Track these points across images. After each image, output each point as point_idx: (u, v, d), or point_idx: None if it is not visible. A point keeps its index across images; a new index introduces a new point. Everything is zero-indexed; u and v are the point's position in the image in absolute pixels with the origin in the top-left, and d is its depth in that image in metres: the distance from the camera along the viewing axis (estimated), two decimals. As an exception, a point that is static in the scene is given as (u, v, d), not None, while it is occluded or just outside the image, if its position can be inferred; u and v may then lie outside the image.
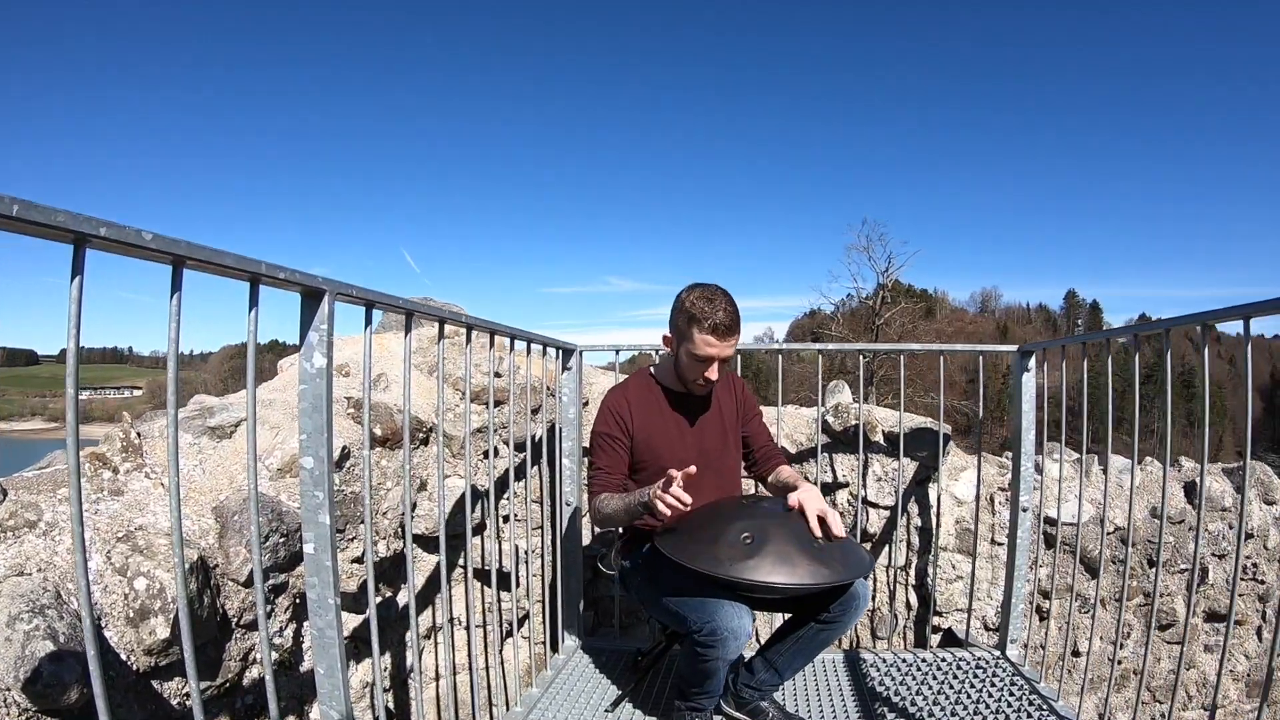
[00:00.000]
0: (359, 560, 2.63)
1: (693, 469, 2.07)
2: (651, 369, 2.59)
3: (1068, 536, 3.58)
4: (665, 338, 2.44)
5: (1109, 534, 3.63)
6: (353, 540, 2.63)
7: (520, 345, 2.69)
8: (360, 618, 2.69)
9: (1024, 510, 3.03)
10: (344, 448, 2.63)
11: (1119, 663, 3.86)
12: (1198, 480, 3.93)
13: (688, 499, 2.03)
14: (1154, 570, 3.69)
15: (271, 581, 2.32)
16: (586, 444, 2.78)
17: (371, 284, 1.73)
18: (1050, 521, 3.49)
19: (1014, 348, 3.04)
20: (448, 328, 2.22)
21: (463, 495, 2.98)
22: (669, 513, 2.04)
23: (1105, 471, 3.01)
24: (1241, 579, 3.90)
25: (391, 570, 2.85)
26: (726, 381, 2.64)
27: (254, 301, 1.35)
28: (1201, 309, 2.20)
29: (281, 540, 2.33)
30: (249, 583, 2.17)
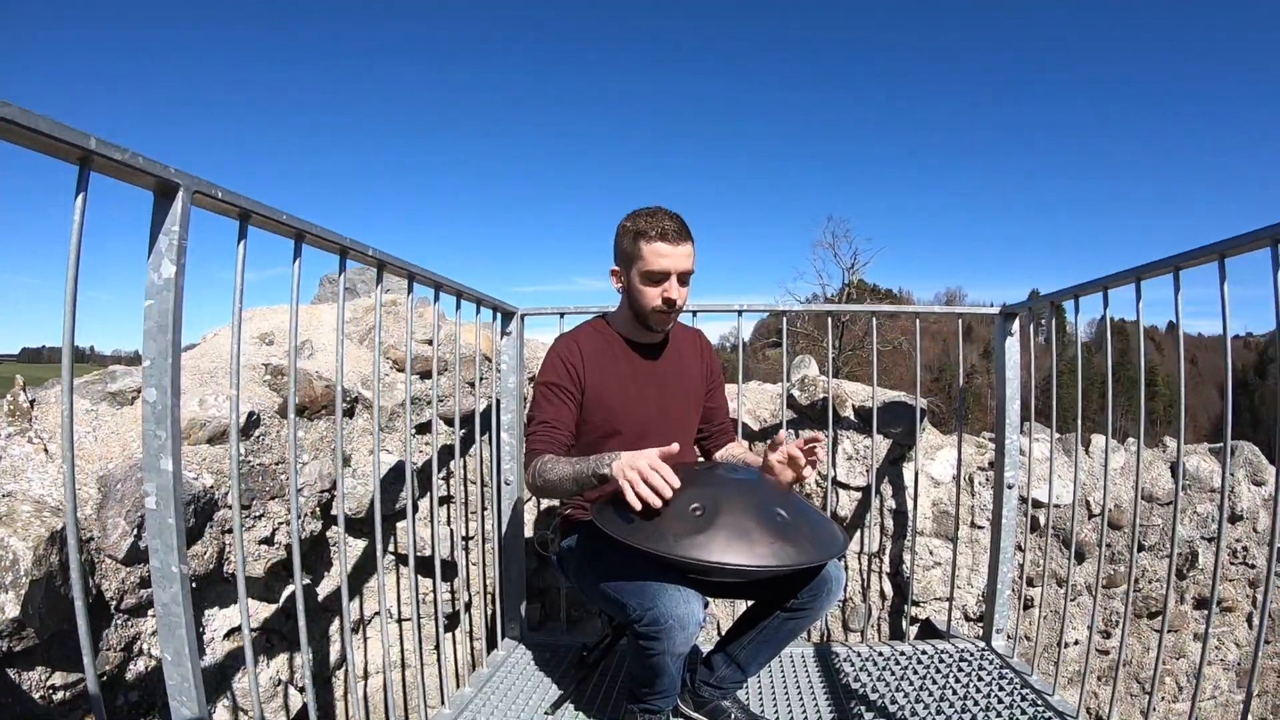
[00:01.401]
0: (268, 541, 2.31)
1: (675, 447, 1.73)
2: (607, 317, 2.27)
3: (1052, 519, 3.35)
4: (613, 272, 2.13)
5: (1094, 516, 3.40)
6: (260, 518, 2.30)
7: (457, 306, 2.37)
8: (273, 607, 2.38)
9: (1009, 488, 2.76)
10: (252, 413, 2.30)
11: (1105, 653, 3.64)
12: (1185, 461, 3.79)
13: (674, 484, 1.68)
14: (1139, 555, 3.51)
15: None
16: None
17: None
18: (1034, 503, 3.25)
19: (995, 309, 2.77)
20: (384, 291, 1.89)
21: (391, 472, 2.70)
22: (651, 499, 1.66)
23: (1114, 453, 2.74)
24: (1231, 563, 3.70)
25: (311, 555, 2.54)
26: (693, 338, 2.35)
27: (82, 186, 1.04)
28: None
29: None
30: (131, 559, 1.86)
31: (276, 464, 2.34)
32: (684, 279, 2.03)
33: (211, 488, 2.11)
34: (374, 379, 1.88)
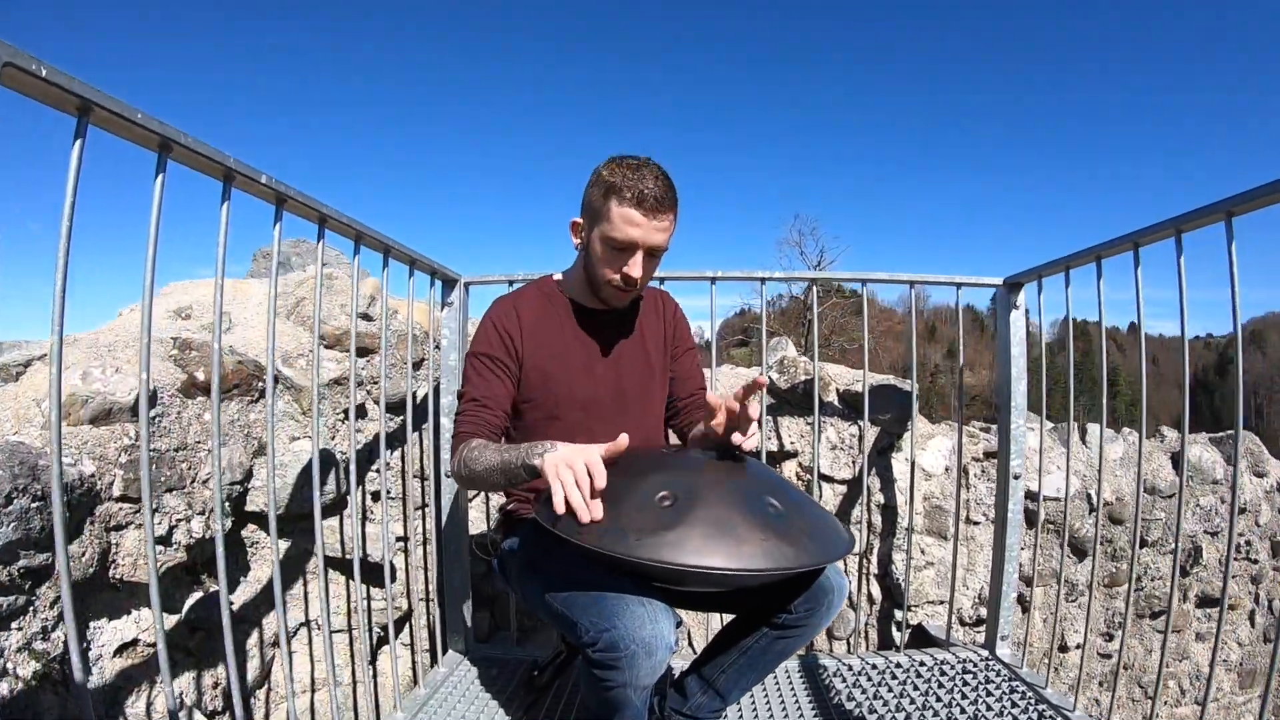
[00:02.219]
0: (164, 541, 1.95)
1: (624, 440, 1.37)
2: (557, 277, 1.91)
3: (1052, 513, 3.08)
4: (574, 224, 1.76)
5: (1093, 511, 3.13)
6: (155, 513, 1.93)
7: (382, 262, 2.02)
8: (174, 619, 2.02)
9: (1015, 478, 2.46)
10: (152, 390, 1.94)
11: (1106, 657, 3.39)
12: (1188, 451, 3.54)
13: (597, 513, 1.28)
14: (1139, 550, 3.24)
15: (24, 563, 1.63)
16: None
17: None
18: (1031, 496, 2.97)
19: (998, 280, 2.47)
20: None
21: (311, 463, 2.35)
22: (581, 511, 1.28)
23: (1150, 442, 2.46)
24: (1234, 559, 3.47)
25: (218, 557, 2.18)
26: (654, 299, 1.97)
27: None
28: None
29: (36, 505, 1.63)
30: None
31: (176, 451, 1.98)
32: (653, 253, 1.68)
33: (92, 476, 1.75)
34: (313, 363, 1.54)
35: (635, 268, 1.64)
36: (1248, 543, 3.51)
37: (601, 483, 1.29)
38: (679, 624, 1.40)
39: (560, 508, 1.28)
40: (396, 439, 2.59)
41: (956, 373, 2.85)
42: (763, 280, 2.55)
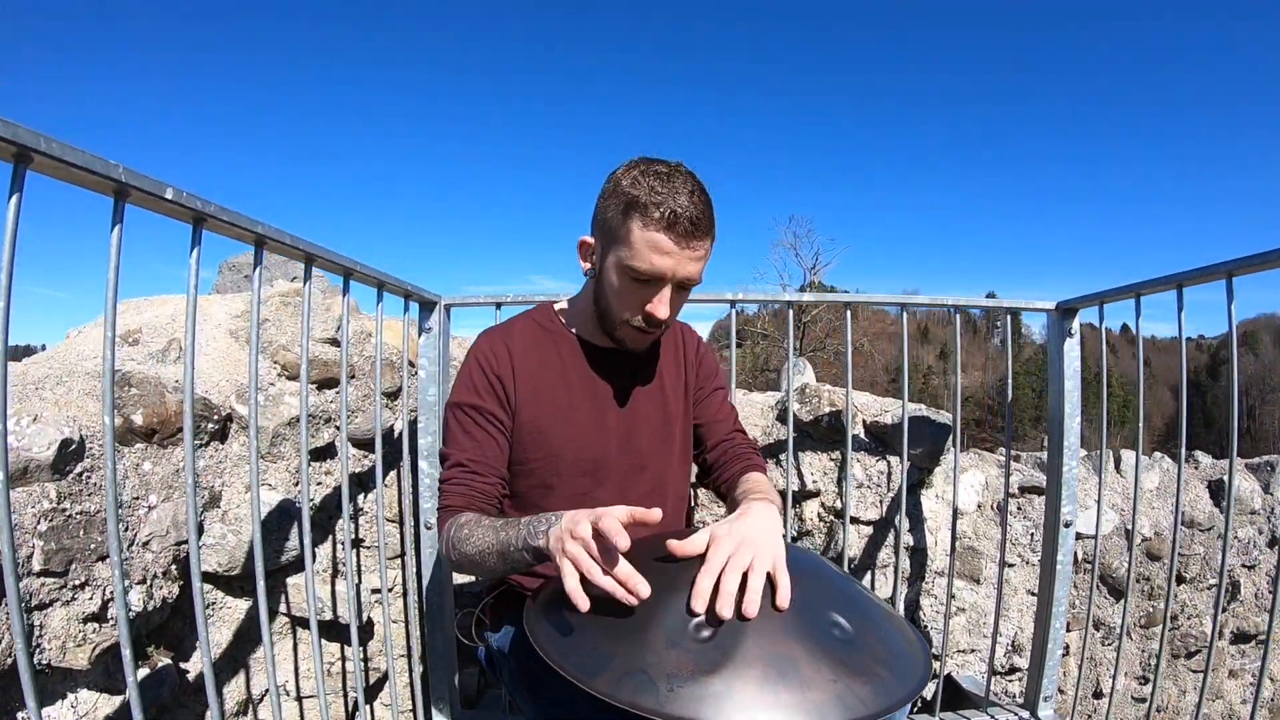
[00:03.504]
0: (97, 618, 1.65)
1: (657, 513, 1.03)
2: (559, 306, 1.59)
3: (1087, 551, 2.84)
4: (583, 243, 1.43)
5: (1132, 547, 2.90)
6: (83, 588, 1.63)
7: (343, 286, 1.74)
8: (117, 700, 1.73)
9: (1066, 525, 2.21)
10: (70, 441, 1.62)
11: (1141, 700, 3.16)
12: (1224, 479, 3.32)
13: (644, 592, 0.98)
14: (1176, 587, 3.02)
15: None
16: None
17: None
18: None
19: (1050, 304, 2.20)
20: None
21: (274, 513, 2.08)
22: (606, 587, 0.98)
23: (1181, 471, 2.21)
24: (1269, 591, 3.26)
25: (175, 624, 1.89)
26: (673, 334, 1.65)
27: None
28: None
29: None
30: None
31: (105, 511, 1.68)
32: (684, 286, 1.35)
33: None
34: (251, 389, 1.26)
35: (662, 306, 1.32)
36: (1286, 575, 3.30)
37: (625, 544, 0.98)
38: None
39: (578, 601, 0.99)
40: (369, 480, 2.31)
41: (1007, 405, 2.59)
42: (789, 304, 2.25)
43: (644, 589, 0.97)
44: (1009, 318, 2.30)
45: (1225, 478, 3.24)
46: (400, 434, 2.19)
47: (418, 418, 2.11)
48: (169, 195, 1.03)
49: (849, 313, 2.22)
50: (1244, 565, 3.21)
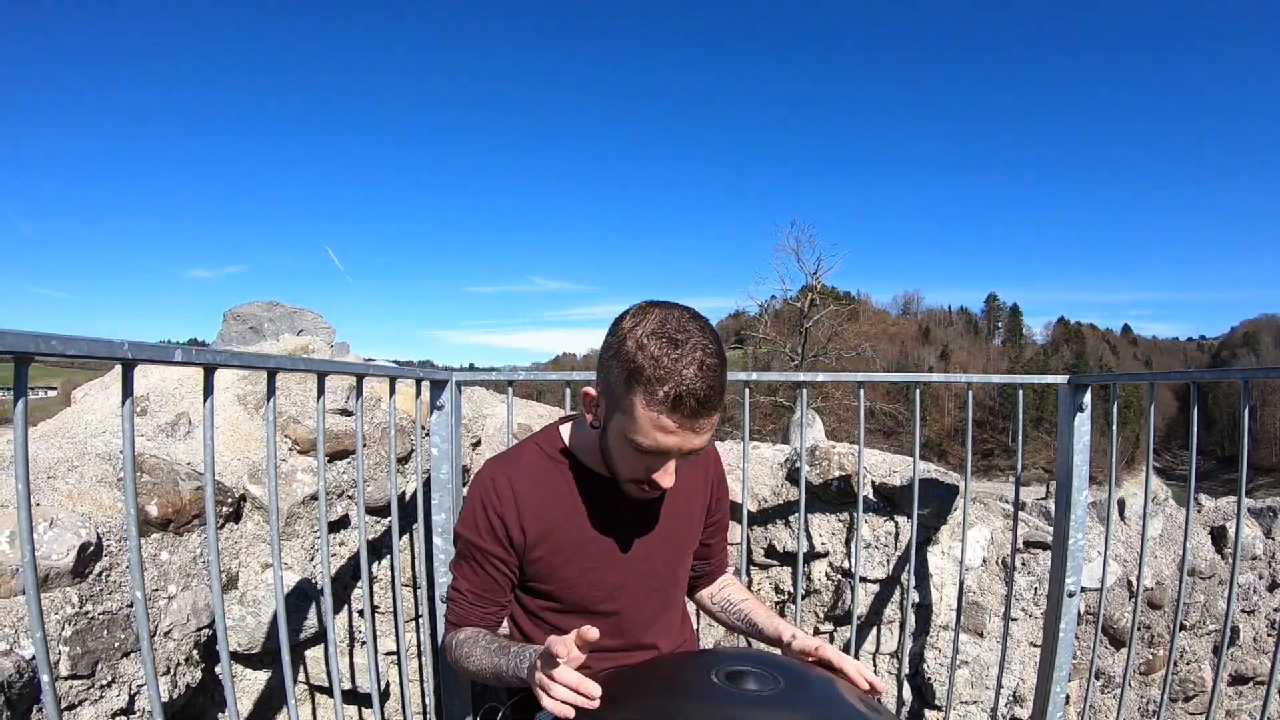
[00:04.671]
0: (125, 713, 1.67)
1: (593, 632, 1.11)
2: (564, 430, 1.53)
3: (1090, 604, 2.87)
4: (586, 395, 1.36)
5: (1133, 597, 2.94)
6: (109, 686, 1.64)
7: (375, 384, 1.78)
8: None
9: (1070, 596, 2.25)
10: (88, 544, 1.62)
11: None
12: (1226, 525, 3.35)
13: (594, 691, 1.09)
14: (1178, 633, 3.05)
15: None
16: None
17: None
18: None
19: (1063, 379, 2.22)
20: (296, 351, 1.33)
21: (293, 595, 2.10)
22: (562, 713, 1.08)
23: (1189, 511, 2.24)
24: (1270, 634, 3.31)
25: (197, 699, 1.92)
26: (702, 455, 1.57)
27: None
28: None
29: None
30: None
31: (130, 606, 1.69)
32: (691, 455, 1.29)
33: (33, 660, 1.46)
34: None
35: (666, 477, 1.28)
36: (1284, 618, 3.35)
37: (585, 687, 1.10)
38: None
39: (559, 711, 1.09)
40: (382, 546, 2.33)
41: (1015, 459, 2.61)
42: (802, 385, 2.26)
43: (594, 689, 1.08)
44: (1019, 392, 2.31)
45: (1227, 523, 3.28)
46: (412, 496, 2.21)
47: (431, 492, 2.13)
48: (178, 357, 1.06)
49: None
50: (1244, 610, 3.24)
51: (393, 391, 1.82)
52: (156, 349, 1.03)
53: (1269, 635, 3.29)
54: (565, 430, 1.52)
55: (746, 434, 2.24)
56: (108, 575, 1.68)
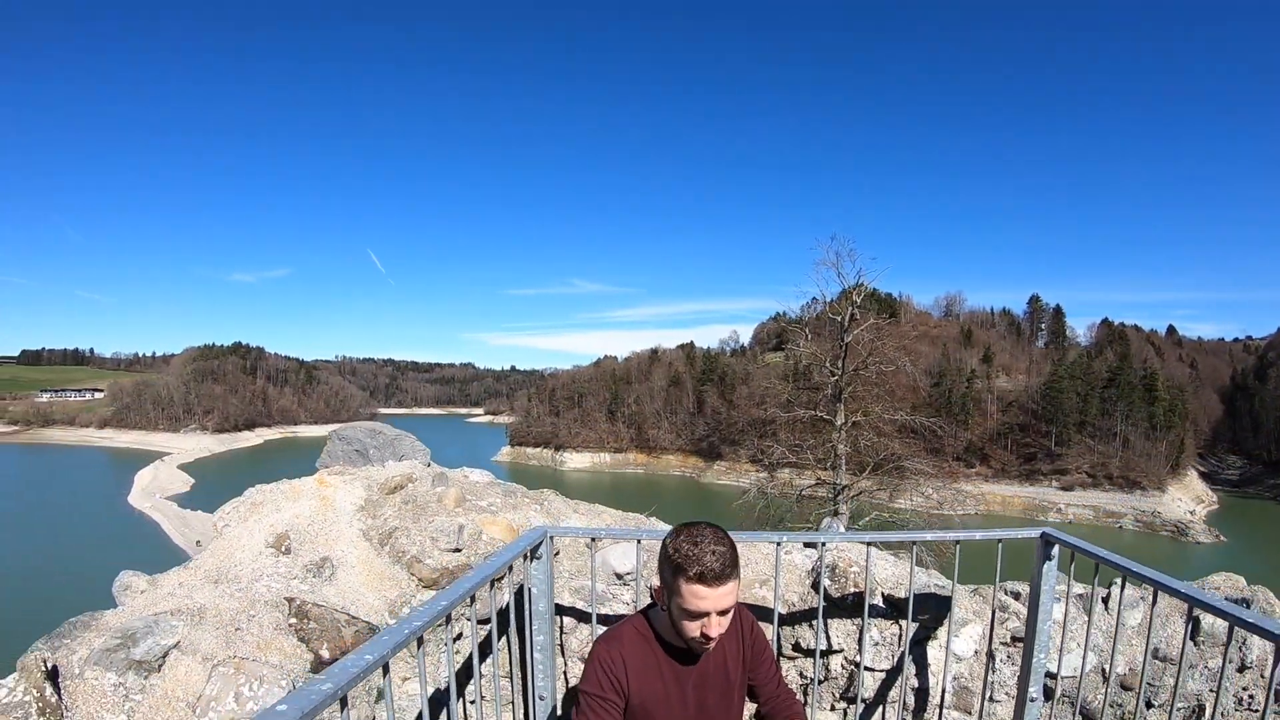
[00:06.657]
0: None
1: None
2: (649, 614, 2.29)
3: (1068, 689, 3.39)
4: (653, 590, 2.20)
5: (1106, 682, 3.44)
6: None
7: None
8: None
9: (1032, 700, 2.82)
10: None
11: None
12: (1199, 616, 3.79)
13: None
14: (1147, 712, 3.54)
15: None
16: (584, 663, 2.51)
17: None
18: (1049, 675, 3.28)
19: (1035, 534, 2.80)
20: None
21: (432, 697, 2.64)
22: None
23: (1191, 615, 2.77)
24: (1236, 710, 3.74)
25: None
26: (735, 620, 2.32)
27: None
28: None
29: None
30: None
31: None
32: (725, 611, 2.06)
33: None
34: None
35: (712, 628, 2.05)
36: (1251, 696, 3.76)
37: None
38: None
39: None
40: (485, 649, 2.92)
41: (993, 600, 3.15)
42: (822, 545, 2.87)
43: None
44: (999, 545, 2.88)
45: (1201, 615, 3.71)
46: (508, 605, 2.79)
47: (531, 620, 2.71)
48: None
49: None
50: (1210, 690, 3.67)
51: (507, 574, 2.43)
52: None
53: (1236, 710, 3.73)
54: (650, 616, 2.27)
55: (778, 585, 2.84)
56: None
